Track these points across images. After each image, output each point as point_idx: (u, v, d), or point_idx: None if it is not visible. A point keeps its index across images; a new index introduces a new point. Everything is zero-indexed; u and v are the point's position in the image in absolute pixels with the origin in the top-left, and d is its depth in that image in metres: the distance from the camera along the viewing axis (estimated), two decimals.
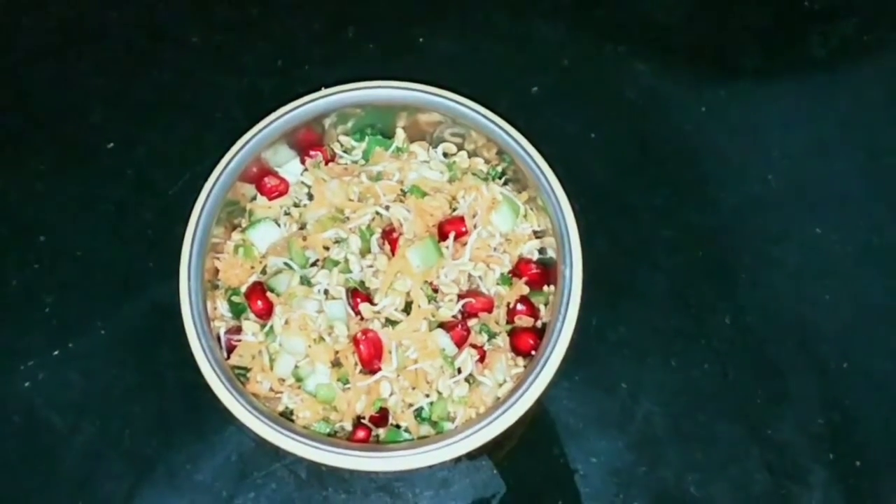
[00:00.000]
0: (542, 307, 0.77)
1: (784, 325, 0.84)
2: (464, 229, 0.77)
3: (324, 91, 0.79)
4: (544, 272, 0.78)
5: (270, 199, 0.80)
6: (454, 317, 0.75)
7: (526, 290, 0.77)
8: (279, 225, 0.79)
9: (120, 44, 0.95)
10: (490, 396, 0.74)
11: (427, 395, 0.73)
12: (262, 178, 0.80)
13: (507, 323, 0.77)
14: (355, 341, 0.72)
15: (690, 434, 0.81)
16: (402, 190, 0.79)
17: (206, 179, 0.76)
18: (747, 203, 0.89)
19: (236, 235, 0.79)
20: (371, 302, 0.74)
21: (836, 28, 0.97)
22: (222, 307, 0.77)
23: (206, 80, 0.94)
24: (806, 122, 0.93)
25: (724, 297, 0.85)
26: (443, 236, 0.77)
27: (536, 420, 0.80)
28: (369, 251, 0.76)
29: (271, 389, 0.74)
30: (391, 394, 0.73)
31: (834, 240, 0.87)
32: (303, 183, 0.81)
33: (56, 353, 0.82)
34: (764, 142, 0.91)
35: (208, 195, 0.75)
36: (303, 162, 0.82)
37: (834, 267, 0.87)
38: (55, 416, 0.80)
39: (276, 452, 0.70)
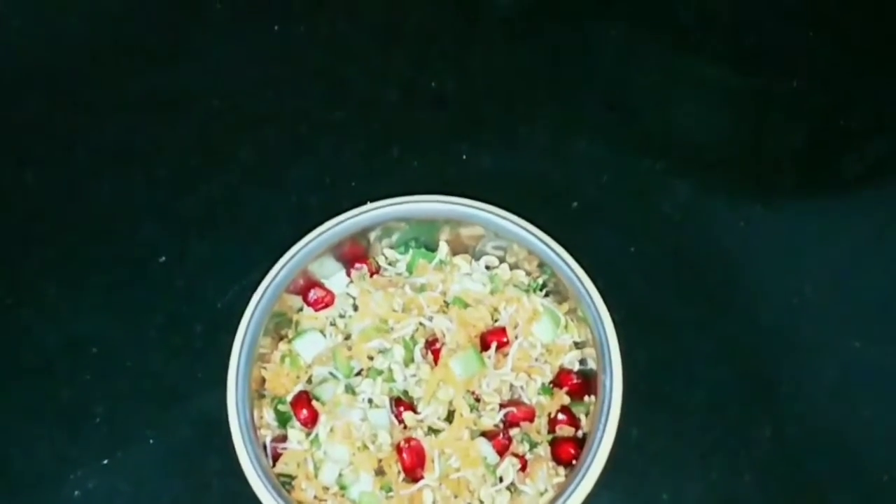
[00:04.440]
0: (582, 417, 0.78)
1: (824, 437, 0.84)
2: (505, 340, 0.78)
3: (369, 205, 0.81)
4: (585, 382, 0.78)
5: (316, 310, 0.82)
6: (496, 426, 0.75)
7: (567, 400, 0.78)
8: (325, 335, 0.80)
9: (172, 160, 0.98)
10: None
11: None
12: (308, 289, 0.82)
13: (549, 432, 0.77)
14: (398, 449, 0.73)
15: None
16: (444, 301, 0.81)
17: (254, 291, 0.77)
18: (785, 316, 0.89)
19: (283, 346, 0.81)
20: (414, 410, 0.75)
21: (871, 145, 0.99)
22: (268, 416, 0.78)
23: (254, 195, 0.96)
24: (842, 235, 0.94)
25: (764, 410, 0.85)
26: (485, 346, 0.78)
27: None
28: (412, 361, 0.77)
29: (316, 497, 0.74)
30: (434, 502, 0.73)
31: (872, 352, 0.87)
32: (348, 294, 0.83)
33: (105, 462, 0.83)
34: (801, 255, 0.92)
35: (256, 307, 0.77)
36: (348, 274, 0.83)
37: (873, 380, 0.87)
38: None
39: None
